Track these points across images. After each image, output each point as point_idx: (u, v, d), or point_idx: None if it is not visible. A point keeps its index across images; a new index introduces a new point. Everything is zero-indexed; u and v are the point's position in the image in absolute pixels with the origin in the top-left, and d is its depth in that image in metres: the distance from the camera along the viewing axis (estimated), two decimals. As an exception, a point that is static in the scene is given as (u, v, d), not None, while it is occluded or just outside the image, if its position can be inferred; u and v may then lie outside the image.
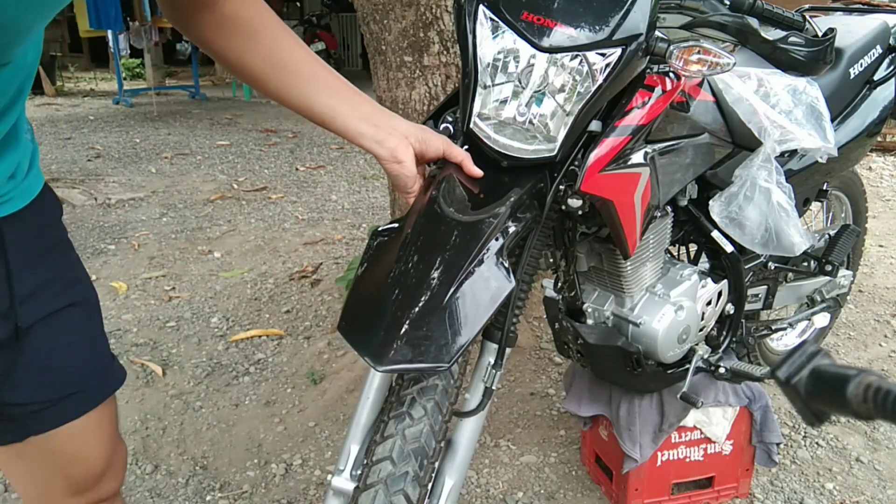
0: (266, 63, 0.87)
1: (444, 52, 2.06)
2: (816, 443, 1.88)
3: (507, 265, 0.92)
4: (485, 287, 0.89)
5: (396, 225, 0.99)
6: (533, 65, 0.96)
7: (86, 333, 0.87)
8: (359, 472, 0.98)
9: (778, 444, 1.59)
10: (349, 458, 1.00)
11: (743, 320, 1.52)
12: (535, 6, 0.96)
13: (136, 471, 1.79)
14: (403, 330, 0.85)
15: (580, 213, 1.05)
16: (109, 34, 7.94)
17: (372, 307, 0.90)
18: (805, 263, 1.81)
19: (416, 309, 0.86)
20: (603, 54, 0.95)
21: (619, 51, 0.95)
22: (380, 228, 1.00)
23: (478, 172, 0.99)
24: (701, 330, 1.41)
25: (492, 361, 1.03)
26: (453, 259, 0.89)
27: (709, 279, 1.39)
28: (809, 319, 1.84)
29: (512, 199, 0.96)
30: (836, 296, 1.87)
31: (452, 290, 0.87)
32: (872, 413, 0.42)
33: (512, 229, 0.95)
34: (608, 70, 0.96)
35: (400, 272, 0.90)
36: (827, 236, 1.84)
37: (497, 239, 0.92)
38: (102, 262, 3.16)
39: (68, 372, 0.85)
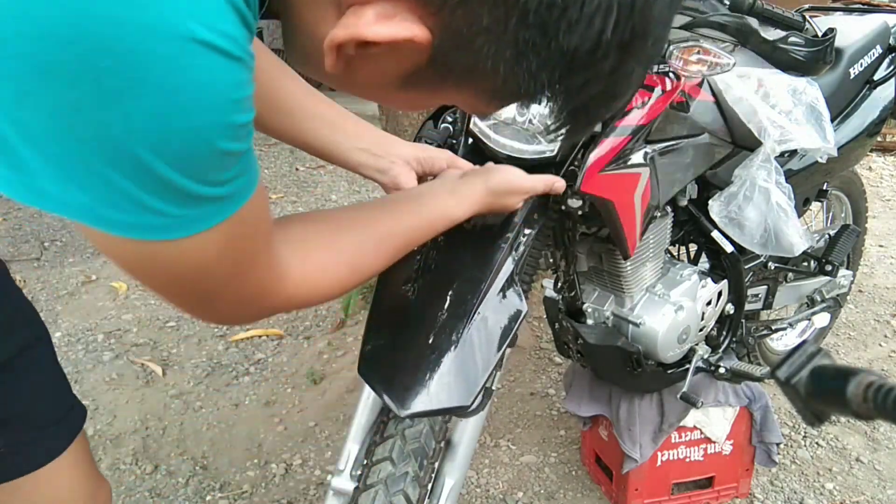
0: (263, 104, 0.83)
1: (444, 52, 2.06)
2: (816, 443, 1.88)
3: (519, 289, 0.92)
4: (499, 317, 0.89)
5: None
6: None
7: (47, 372, 0.84)
8: (359, 472, 0.98)
9: (778, 444, 1.59)
10: (349, 459, 1.00)
11: (743, 320, 1.52)
12: None
13: (136, 471, 1.79)
14: (423, 371, 0.85)
15: (580, 213, 1.05)
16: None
17: (389, 347, 0.90)
18: (805, 263, 1.81)
19: (434, 348, 0.86)
20: (603, 54, 0.95)
21: (618, 51, 0.95)
22: None
23: None
24: (701, 330, 1.41)
25: (492, 361, 1.03)
26: (466, 291, 0.90)
27: (709, 279, 1.39)
28: (809, 319, 1.84)
29: (520, 213, 0.96)
30: (836, 296, 1.87)
31: (468, 324, 0.87)
32: (872, 413, 0.42)
33: (521, 248, 0.95)
34: (608, 70, 0.96)
35: (414, 308, 0.90)
36: (827, 236, 1.83)
37: (508, 262, 0.92)
38: (102, 262, 3.16)
39: (36, 414, 0.81)
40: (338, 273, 0.67)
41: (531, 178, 0.91)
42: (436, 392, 0.84)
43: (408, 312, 0.90)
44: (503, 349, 0.89)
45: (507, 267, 0.92)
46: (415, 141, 1.10)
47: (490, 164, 0.92)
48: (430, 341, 0.87)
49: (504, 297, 0.90)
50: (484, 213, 0.86)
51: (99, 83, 0.38)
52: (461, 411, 0.86)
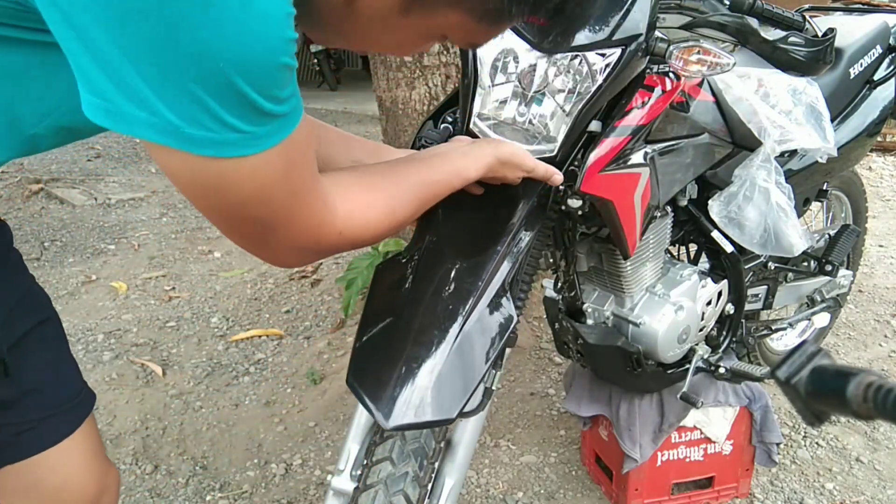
0: None
1: (444, 52, 2.06)
2: (816, 443, 1.88)
3: (510, 298, 0.92)
4: (488, 329, 0.89)
5: (400, 257, 0.99)
6: (533, 65, 0.96)
7: (58, 351, 0.87)
8: (359, 472, 0.98)
9: (778, 444, 1.59)
10: (349, 459, 1.00)
11: (743, 320, 1.52)
12: None
13: (136, 471, 1.79)
14: (409, 384, 0.85)
15: (580, 213, 1.05)
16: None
17: (377, 359, 0.90)
18: (805, 263, 1.81)
19: (422, 361, 0.86)
20: (603, 54, 0.95)
21: (618, 51, 0.95)
22: (383, 262, 0.99)
23: (477, 189, 0.98)
24: (701, 330, 1.41)
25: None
26: (457, 302, 0.90)
27: (709, 279, 1.39)
28: (809, 319, 1.84)
29: (514, 221, 0.96)
30: (836, 296, 1.87)
31: (456, 337, 0.87)
32: (872, 413, 0.42)
33: (517, 254, 0.95)
34: (608, 70, 0.96)
35: (404, 318, 0.90)
36: (827, 236, 1.83)
37: (502, 269, 0.92)
38: (102, 262, 3.16)
39: (61, 384, 0.84)
40: (378, 212, 0.74)
41: (534, 159, 0.94)
42: (421, 405, 0.84)
43: (398, 323, 0.90)
44: (490, 362, 0.89)
45: (501, 275, 0.92)
46: (414, 140, 1.10)
47: (499, 137, 0.98)
48: (418, 354, 0.87)
49: (496, 307, 0.90)
50: (489, 178, 0.91)
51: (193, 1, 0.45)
52: (446, 424, 0.86)
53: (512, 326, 0.91)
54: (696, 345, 1.43)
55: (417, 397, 0.84)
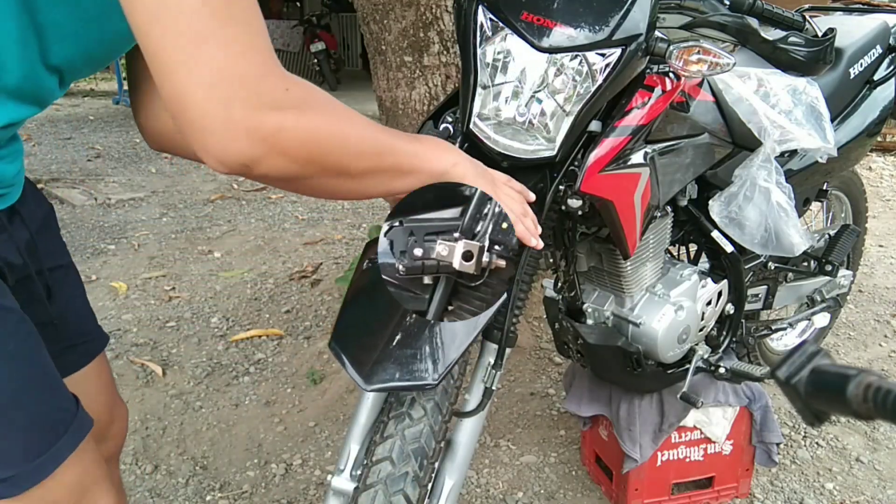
0: None
1: (444, 52, 2.06)
2: (816, 443, 1.88)
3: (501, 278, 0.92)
4: (475, 303, 0.89)
5: None
6: (533, 65, 0.96)
7: (79, 292, 0.97)
8: (359, 472, 0.98)
9: (778, 444, 1.59)
10: (349, 458, 1.00)
11: (743, 320, 1.52)
12: (535, 6, 0.96)
13: (136, 471, 1.79)
14: (391, 348, 0.86)
15: (580, 213, 1.05)
16: (109, 34, 7.91)
17: (362, 325, 0.91)
18: (805, 263, 1.81)
19: (405, 326, 0.87)
20: (603, 54, 0.95)
21: (618, 51, 0.95)
22: (373, 239, 1.00)
23: None
24: (701, 330, 1.41)
25: (492, 361, 1.03)
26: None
27: (709, 279, 1.39)
28: (809, 319, 1.84)
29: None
30: (836, 296, 1.87)
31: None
32: (872, 413, 0.42)
33: None
34: (608, 70, 0.96)
35: (389, 291, 0.90)
36: (827, 236, 1.83)
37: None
38: (102, 262, 3.16)
39: (78, 320, 0.94)
40: (319, 138, 0.69)
41: (520, 211, 0.91)
42: (401, 370, 0.85)
43: (383, 294, 0.91)
44: (476, 334, 0.89)
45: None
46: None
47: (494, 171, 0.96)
48: (401, 322, 0.87)
49: (483, 284, 0.90)
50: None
51: None
52: (427, 389, 0.87)
53: (498, 303, 0.90)
54: (696, 345, 1.43)
55: (398, 362, 0.85)
